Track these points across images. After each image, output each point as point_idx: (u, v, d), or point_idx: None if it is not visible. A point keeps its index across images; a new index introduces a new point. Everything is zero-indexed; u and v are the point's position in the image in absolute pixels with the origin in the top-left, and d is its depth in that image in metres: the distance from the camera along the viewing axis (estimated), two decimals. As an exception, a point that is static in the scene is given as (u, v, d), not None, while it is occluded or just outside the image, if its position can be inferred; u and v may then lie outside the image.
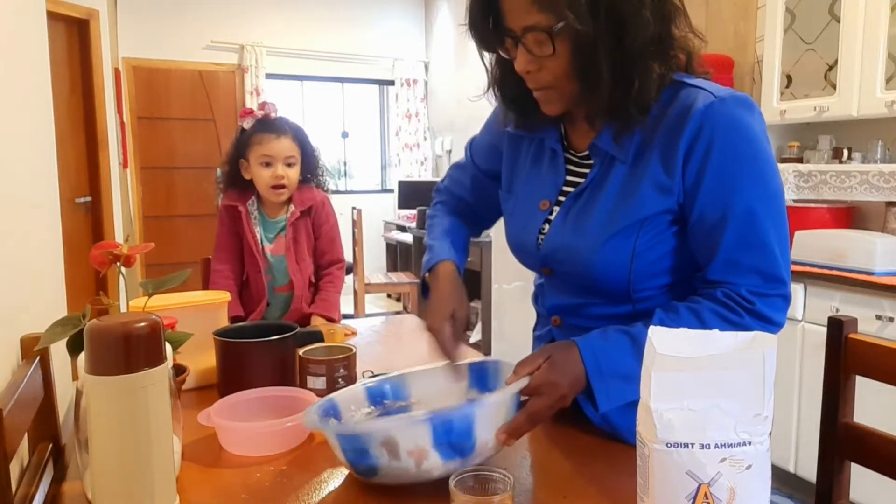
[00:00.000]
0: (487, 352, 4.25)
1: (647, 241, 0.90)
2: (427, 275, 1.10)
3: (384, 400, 1.00)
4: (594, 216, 0.92)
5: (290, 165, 1.83)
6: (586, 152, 0.98)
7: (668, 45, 0.87)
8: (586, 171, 0.97)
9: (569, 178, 1.00)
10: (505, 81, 0.99)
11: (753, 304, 0.85)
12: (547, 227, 0.99)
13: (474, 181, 1.20)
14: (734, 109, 0.85)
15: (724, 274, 0.87)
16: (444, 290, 1.04)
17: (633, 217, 0.89)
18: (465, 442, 0.77)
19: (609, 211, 0.91)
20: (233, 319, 1.61)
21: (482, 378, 0.99)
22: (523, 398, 0.84)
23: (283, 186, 1.82)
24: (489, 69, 1.00)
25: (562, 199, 0.99)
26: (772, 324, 0.87)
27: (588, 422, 0.99)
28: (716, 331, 0.69)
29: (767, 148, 0.87)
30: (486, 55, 0.97)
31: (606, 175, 0.93)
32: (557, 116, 0.98)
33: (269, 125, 1.84)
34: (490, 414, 0.79)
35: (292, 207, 1.88)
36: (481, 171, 1.18)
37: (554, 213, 0.99)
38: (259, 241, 1.86)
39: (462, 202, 1.23)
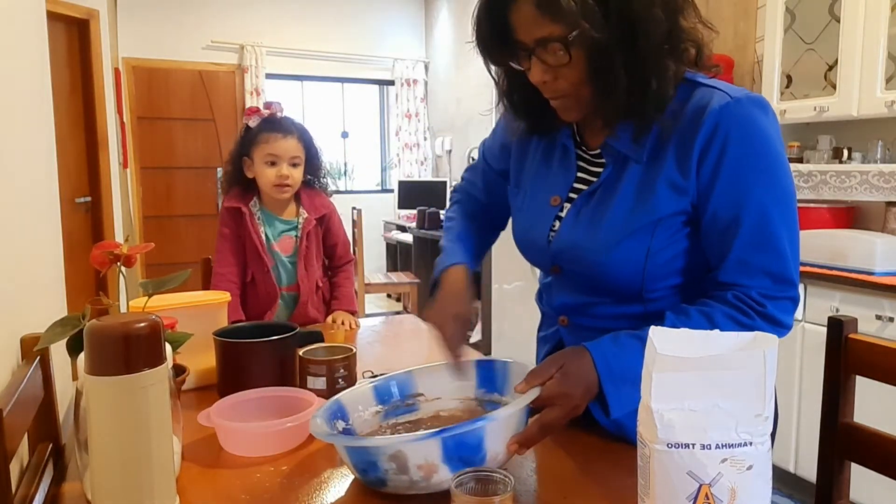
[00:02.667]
0: (487, 352, 4.25)
1: (661, 241, 0.89)
2: (438, 276, 1.09)
3: (392, 398, 1.00)
4: (608, 216, 0.91)
5: (294, 165, 1.84)
6: (598, 150, 0.97)
7: (679, 40, 0.86)
8: (598, 168, 0.96)
9: (580, 174, 0.99)
10: (513, 91, 0.98)
11: (764, 307, 0.85)
12: (557, 224, 0.98)
13: (487, 182, 1.20)
14: (749, 110, 0.85)
15: (735, 275, 0.87)
16: (450, 291, 1.03)
17: (648, 217, 0.89)
18: (476, 455, 0.77)
19: (624, 211, 0.90)
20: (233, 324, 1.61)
21: (490, 378, 0.99)
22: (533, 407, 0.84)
23: (287, 185, 1.83)
24: (497, 81, 0.99)
25: (573, 195, 0.98)
26: (781, 326, 0.87)
27: (591, 422, 0.99)
28: (716, 331, 0.68)
29: (781, 149, 0.87)
30: (493, 67, 0.96)
31: (620, 175, 0.92)
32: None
33: (275, 124, 1.84)
34: (501, 427, 0.79)
35: (305, 214, 1.90)
36: (494, 171, 1.18)
37: (565, 210, 0.98)
38: (265, 241, 1.86)
39: (478, 204, 1.22)
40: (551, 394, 0.81)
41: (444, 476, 0.76)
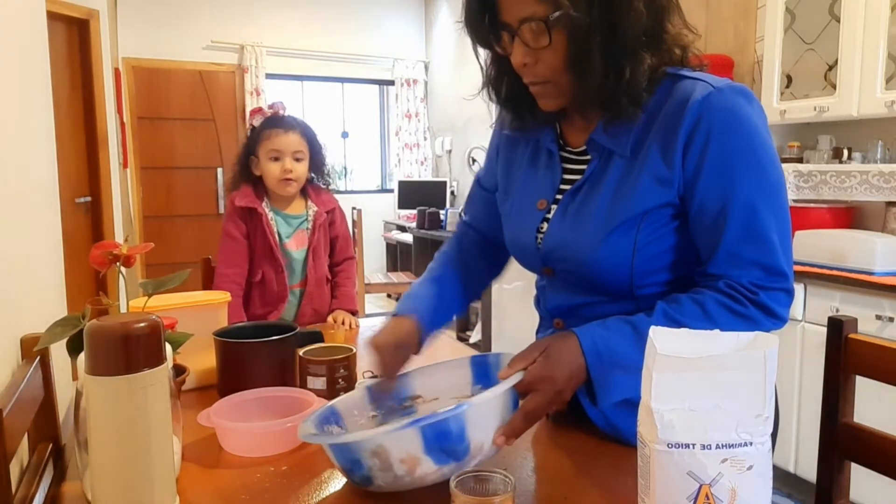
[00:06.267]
0: (487, 351, 4.25)
1: (647, 235, 0.89)
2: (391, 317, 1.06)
3: (388, 402, 1.00)
4: (594, 211, 0.91)
5: (298, 160, 1.87)
6: (583, 147, 0.97)
7: (660, 39, 0.87)
8: (583, 167, 0.97)
9: (566, 175, 0.99)
10: (499, 80, 0.99)
11: (757, 295, 0.84)
12: (545, 225, 0.98)
13: (489, 207, 1.15)
14: (732, 99, 0.85)
15: (724, 267, 0.86)
16: (395, 329, 1.00)
17: (633, 210, 0.88)
18: (459, 445, 0.76)
19: (609, 205, 0.90)
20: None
21: (485, 373, 0.98)
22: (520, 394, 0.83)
23: (291, 180, 1.86)
24: (484, 68, 1.00)
25: (559, 197, 0.98)
26: (775, 317, 0.86)
27: (590, 422, 0.99)
28: (717, 331, 0.68)
29: (767, 138, 0.86)
30: (482, 55, 0.97)
31: (605, 170, 0.92)
32: (553, 116, 0.98)
33: (277, 121, 1.88)
34: (482, 413, 0.77)
35: (314, 207, 1.93)
36: (493, 194, 1.15)
37: (552, 212, 0.98)
38: (278, 241, 1.88)
39: (478, 238, 1.18)
40: (533, 378, 0.80)
41: (427, 469, 0.75)
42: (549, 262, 0.99)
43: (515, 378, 0.80)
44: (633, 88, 0.85)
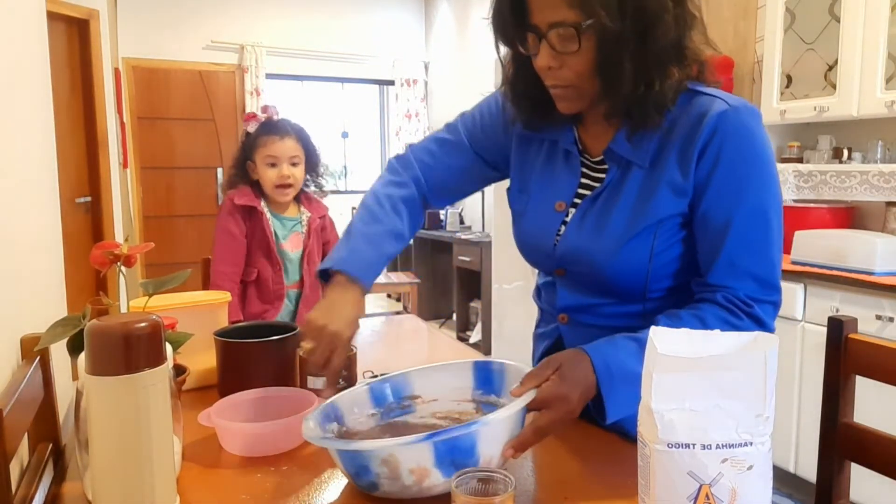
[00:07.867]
0: (487, 352, 4.25)
1: (663, 242, 0.92)
2: (334, 272, 1.01)
3: (387, 401, 1.00)
4: (613, 219, 0.94)
5: (294, 165, 1.90)
6: (600, 157, 0.98)
7: (683, 56, 0.89)
8: (601, 175, 0.98)
9: (583, 180, 1.00)
10: (518, 79, 0.99)
11: (752, 307, 0.88)
12: (563, 228, 1.00)
13: (462, 154, 1.12)
14: (745, 119, 0.89)
15: (723, 277, 0.89)
16: (347, 302, 0.99)
17: (651, 219, 0.91)
18: (468, 460, 0.76)
19: (629, 213, 0.93)
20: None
21: (487, 379, 0.99)
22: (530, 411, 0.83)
23: (289, 185, 1.89)
24: (503, 66, 1.00)
25: (577, 200, 1.00)
26: (765, 328, 0.89)
27: (590, 419, 0.99)
28: (717, 331, 0.69)
29: (772, 158, 0.91)
30: (502, 52, 0.97)
31: (624, 179, 0.94)
32: (569, 119, 0.99)
33: (272, 127, 1.91)
34: (495, 431, 0.78)
35: (307, 213, 1.97)
36: (473, 149, 1.13)
37: (569, 215, 0.99)
38: (275, 240, 1.90)
39: (431, 174, 1.13)
40: (548, 396, 0.81)
41: (435, 481, 0.76)
42: (563, 264, 1.00)
43: (529, 396, 0.81)
44: (660, 100, 0.88)
